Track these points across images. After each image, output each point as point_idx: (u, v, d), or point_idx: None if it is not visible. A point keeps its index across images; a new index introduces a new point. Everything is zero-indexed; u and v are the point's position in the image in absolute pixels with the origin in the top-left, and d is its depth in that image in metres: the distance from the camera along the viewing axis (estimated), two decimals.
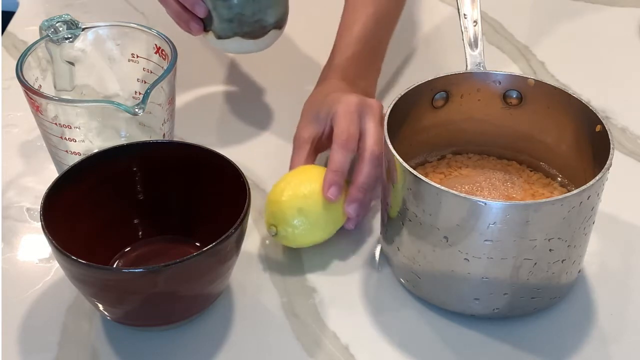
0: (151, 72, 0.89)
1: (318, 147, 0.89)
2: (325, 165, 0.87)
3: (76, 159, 0.81)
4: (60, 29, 0.88)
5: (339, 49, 0.96)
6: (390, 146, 0.75)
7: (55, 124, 0.83)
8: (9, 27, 1.17)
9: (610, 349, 0.77)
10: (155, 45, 0.88)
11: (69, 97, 0.89)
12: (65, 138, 0.84)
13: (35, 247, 0.86)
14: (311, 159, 0.88)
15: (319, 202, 0.82)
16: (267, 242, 0.86)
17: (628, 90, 1.08)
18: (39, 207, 0.74)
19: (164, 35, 0.88)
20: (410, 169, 0.73)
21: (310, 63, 1.11)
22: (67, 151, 0.85)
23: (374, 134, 0.85)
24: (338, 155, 0.84)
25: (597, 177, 0.72)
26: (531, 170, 0.86)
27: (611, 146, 0.75)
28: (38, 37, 0.88)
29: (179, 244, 0.82)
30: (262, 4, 0.90)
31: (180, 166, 0.82)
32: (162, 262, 0.70)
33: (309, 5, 1.23)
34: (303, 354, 0.76)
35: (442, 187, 0.71)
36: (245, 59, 1.12)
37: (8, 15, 1.20)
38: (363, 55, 0.96)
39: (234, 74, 1.07)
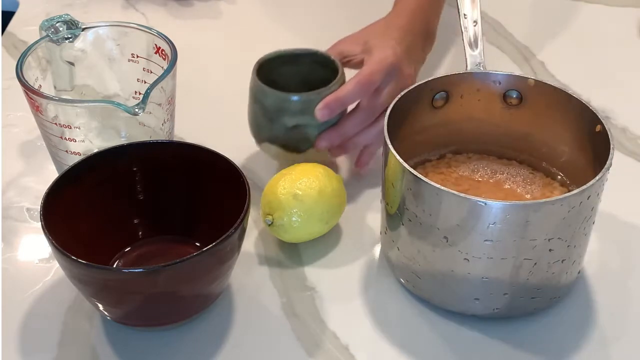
0: (151, 72, 0.89)
1: (345, 62, 0.92)
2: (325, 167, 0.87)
3: (76, 159, 0.81)
4: (60, 29, 0.88)
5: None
6: (390, 146, 0.75)
7: (55, 124, 0.83)
8: (9, 27, 1.17)
9: (610, 349, 0.77)
10: (155, 45, 0.88)
11: (69, 97, 0.89)
12: (65, 138, 0.84)
13: (35, 247, 0.86)
14: None
15: (315, 190, 0.82)
16: (267, 241, 0.86)
17: (628, 90, 1.08)
18: (39, 207, 0.74)
19: (164, 35, 0.88)
20: (410, 169, 0.73)
21: None
22: (67, 151, 0.85)
23: (371, 71, 0.87)
24: (350, 87, 0.86)
25: (597, 177, 0.72)
26: (531, 171, 0.86)
27: (611, 146, 0.75)
28: (38, 37, 0.88)
29: (179, 244, 0.82)
30: None
31: (180, 166, 0.82)
32: (162, 262, 0.70)
33: (313, 9, 1.23)
34: (303, 354, 0.76)
35: (442, 187, 0.71)
36: (245, 60, 1.12)
37: (8, 15, 1.20)
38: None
39: (234, 73, 1.07)
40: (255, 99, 0.88)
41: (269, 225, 0.83)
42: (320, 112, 0.85)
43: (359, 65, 0.90)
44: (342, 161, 0.94)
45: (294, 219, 0.82)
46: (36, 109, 0.83)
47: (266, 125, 0.87)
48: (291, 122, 0.85)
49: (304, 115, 0.85)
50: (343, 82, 0.88)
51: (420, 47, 0.97)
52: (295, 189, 0.82)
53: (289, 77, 0.92)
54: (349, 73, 0.90)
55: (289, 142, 0.87)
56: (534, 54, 1.13)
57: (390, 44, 0.90)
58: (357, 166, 0.92)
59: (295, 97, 0.85)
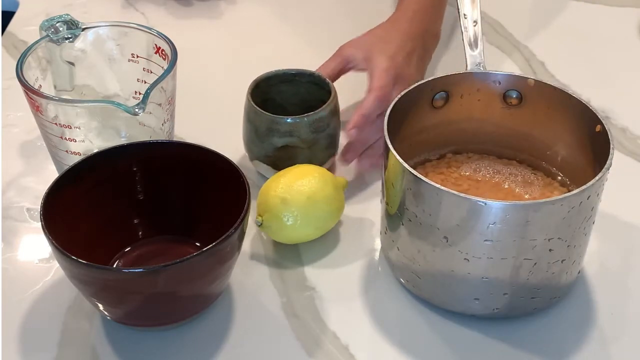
0: (151, 72, 0.89)
1: (346, 69, 0.95)
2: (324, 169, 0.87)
3: (76, 159, 0.81)
4: (60, 29, 0.88)
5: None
6: (390, 146, 0.75)
7: (55, 124, 0.83)
8: (9, 27, 1.17)
9: (610, 349, 0.77)
10: (155, 45, 0.88)
11: (69, 97, 0.89)
12: (65, 138, 0.84)
13: (35, 247, 0.86)
14: (335, 74, 0.94)
15: (305, 195, 0.82)
16: (267, 241, 0.86)
17: (628, 90, 1.08)
18: (39, 207, 0.74)
19: (164, 35, 0.88)
20: (410, 169, 0.73)
21: (309, 64, 1.11)
22: (67, 151, 0.85)
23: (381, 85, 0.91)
24: (370, 103, 0.89)
25: (597, 177, 0.72)
26: (531, 171, 0.86)
27: (611, 146, 0.75)
28: (38, 37, 0.88)
29: (179, 244, 0.82)
30: None
31: (180, 166, 0.82)
32: (162, 262, 0.70)
33: (314, 8, 1.23)
34: (303, 354, 0.76)
35: (442, 187, 0.71)
36: (245, 60, 1.12)
37: (8, 15, 1.20)
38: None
39: (234, 74, 1.07)
40: (248, 118, 0.90)
41: (259, 226, 0.83)
42: (351, 132, 0.89)
43: (361, 70, 0.93)
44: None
45: (283, 222, 0.82)
46: (36, 109, 0.83)
47: (257, 144, 0.90)
48: (280, 142, 0.88)
49: (292, 137, 0.88)
50: (336, 104, 0.90)
51: (423, 47, 0.98)
52: (285, 194, 0.82)
53: (287, 96, 0.94)
54: (347, 82, 0.91)
55: (279, 160, 0.89)
56: (534, 54, 1.13)
57: (390, 52, 0.93)
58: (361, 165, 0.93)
59: (284, 119, 0.87)
